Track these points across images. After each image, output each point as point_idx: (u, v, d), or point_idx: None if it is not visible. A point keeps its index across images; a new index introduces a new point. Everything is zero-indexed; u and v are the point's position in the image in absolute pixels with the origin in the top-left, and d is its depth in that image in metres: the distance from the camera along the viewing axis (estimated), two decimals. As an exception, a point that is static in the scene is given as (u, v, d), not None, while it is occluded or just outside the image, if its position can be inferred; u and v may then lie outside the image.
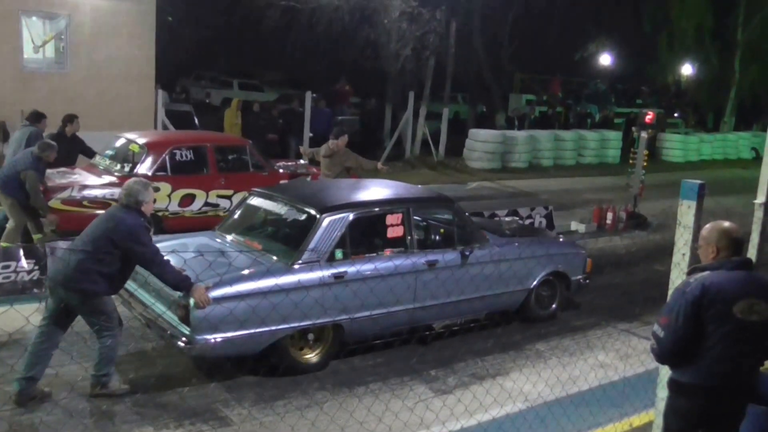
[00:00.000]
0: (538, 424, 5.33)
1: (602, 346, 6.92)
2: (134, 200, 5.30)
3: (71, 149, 9.95)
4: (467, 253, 6.68)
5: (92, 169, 9.58)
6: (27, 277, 7.40)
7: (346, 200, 6.49)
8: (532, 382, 5.88)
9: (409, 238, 6.44)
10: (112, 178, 9.19)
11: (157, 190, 8.88)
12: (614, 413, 5.51)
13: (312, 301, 5.69)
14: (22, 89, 13.41)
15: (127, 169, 9.31)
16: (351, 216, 6.14)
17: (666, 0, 25.58)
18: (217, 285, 5.36)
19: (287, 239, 6.34)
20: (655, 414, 4.58)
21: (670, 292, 4.01)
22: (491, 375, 6.21)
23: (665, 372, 4.04)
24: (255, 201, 6.97)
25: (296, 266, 5.79)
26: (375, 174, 9.82)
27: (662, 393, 4.14)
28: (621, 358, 6.64)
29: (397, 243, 6.39)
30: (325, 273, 5.82)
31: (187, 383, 5.59)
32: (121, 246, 5.13)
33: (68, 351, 5.59)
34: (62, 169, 9.33)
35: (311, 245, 5.87)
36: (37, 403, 5.15)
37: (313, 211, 6.15)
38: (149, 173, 9.18)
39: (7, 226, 8.33)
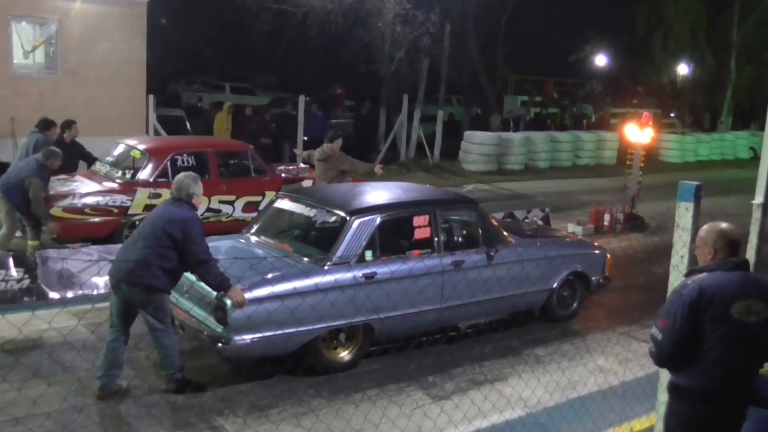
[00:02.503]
0: (537, 430, 5.28)
1: (601, 351, 6.85)
2: (186, 193, 5.42)
3: (71, 155, 9.84)
4: (492, 253, 6.77)
5: (93, 176, 9.49)
6: (17, 286, 7.31)
7: (374, 202, 6.61)
8: (531, 387, 5.81)
9: (435, 239, 6.56)
10: (113, 185, 9.09)
11: (158, 196, 8.82)
12: (614, 418, 5.45)
13: (344, 301, 5.82)
14: (12, 95, 13.32)
15: (128, 175, 9.20)
16: (379, 218, 6.26)
17: (660, 0, 25.58)
18: (253, 286, 5.47)
19: (317, 241, 6.49)
20: (656, 418, 4.51)
21: (668, 294, 3.95)
22: (489, 380, 6.13)
23: (665, 375, 3.99)
24: (282, 204, 7.05)
25: (327, 267, 5.90)
26: (371, 177, 9.76)
27: (663, 397, 4.08)
28: (621, 362, 6.58)
29: (425, 244, 6.51)
30: (356, 273, 5.94)
31: (181, 392, 5.48)
32: (178, 239, 5.22)
33: (60, 361, 5.52)
34: (63, 176, 9.22)
35: (342, 247, 6.02)
36: (120, 397, 5.37)
37: (342, 213, 6.27)
38: (150, 179, 9.10)
39: (0, 232, 8.25)
